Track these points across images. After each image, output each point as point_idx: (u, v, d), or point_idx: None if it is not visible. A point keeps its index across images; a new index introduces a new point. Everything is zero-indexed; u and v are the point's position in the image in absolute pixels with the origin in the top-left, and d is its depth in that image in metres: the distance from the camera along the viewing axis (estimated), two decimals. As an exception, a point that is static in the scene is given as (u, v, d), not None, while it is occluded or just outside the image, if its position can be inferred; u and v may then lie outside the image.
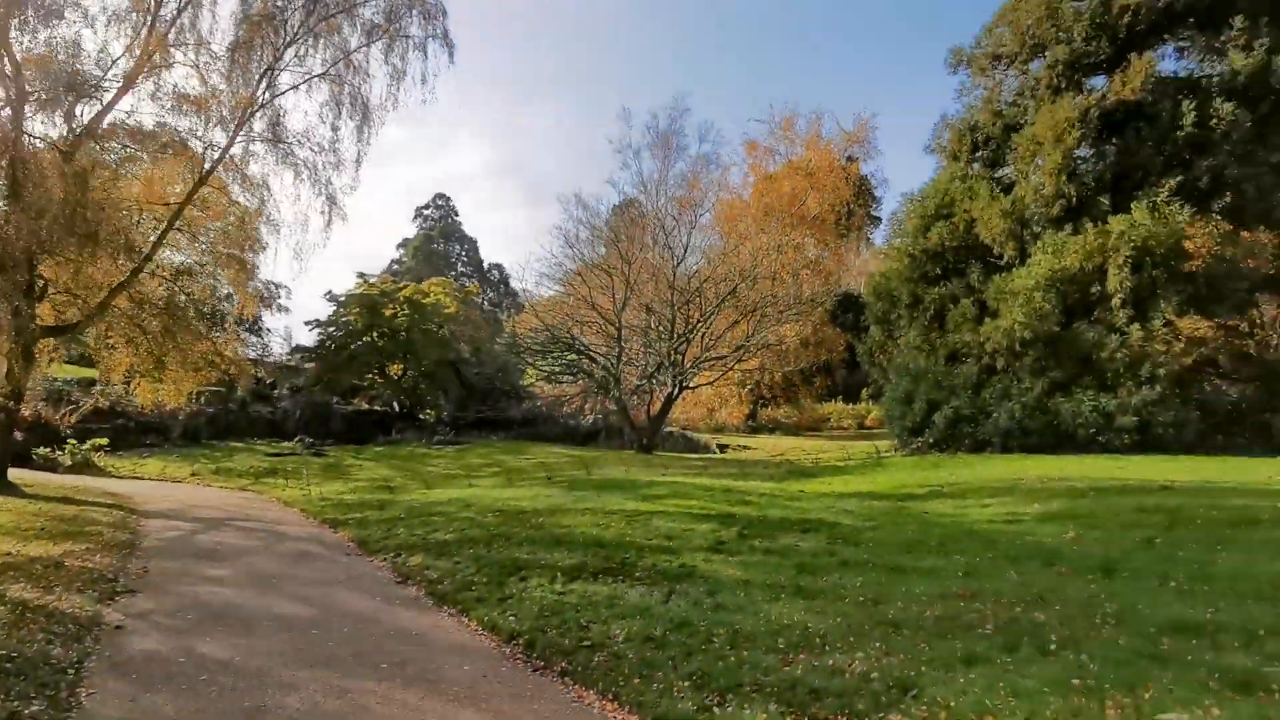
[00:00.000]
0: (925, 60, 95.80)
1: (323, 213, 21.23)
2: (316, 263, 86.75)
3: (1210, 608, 6.06)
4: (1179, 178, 19.19)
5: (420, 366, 34.19)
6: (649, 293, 29.31)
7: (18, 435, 20.82)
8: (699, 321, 27.68)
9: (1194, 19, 21.00)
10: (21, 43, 15.99)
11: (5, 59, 15.90)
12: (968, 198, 23.43)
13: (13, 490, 15.66)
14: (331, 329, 37.31)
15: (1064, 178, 20.11)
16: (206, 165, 18.94)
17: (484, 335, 38.14)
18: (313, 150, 20.68)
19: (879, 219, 49.17)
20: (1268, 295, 21.63)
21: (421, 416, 35.66)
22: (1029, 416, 19.45)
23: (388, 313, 34.36)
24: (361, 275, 38.56)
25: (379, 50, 20.08)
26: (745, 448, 32.35)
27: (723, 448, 32.50)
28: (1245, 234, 20.22)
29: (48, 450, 21.16)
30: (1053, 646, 5.27)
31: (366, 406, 36.57)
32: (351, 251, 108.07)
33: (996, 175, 24.16)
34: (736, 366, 30.90)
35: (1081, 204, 20.64)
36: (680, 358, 27.91)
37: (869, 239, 58.58)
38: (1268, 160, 18.85)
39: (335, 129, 20.45)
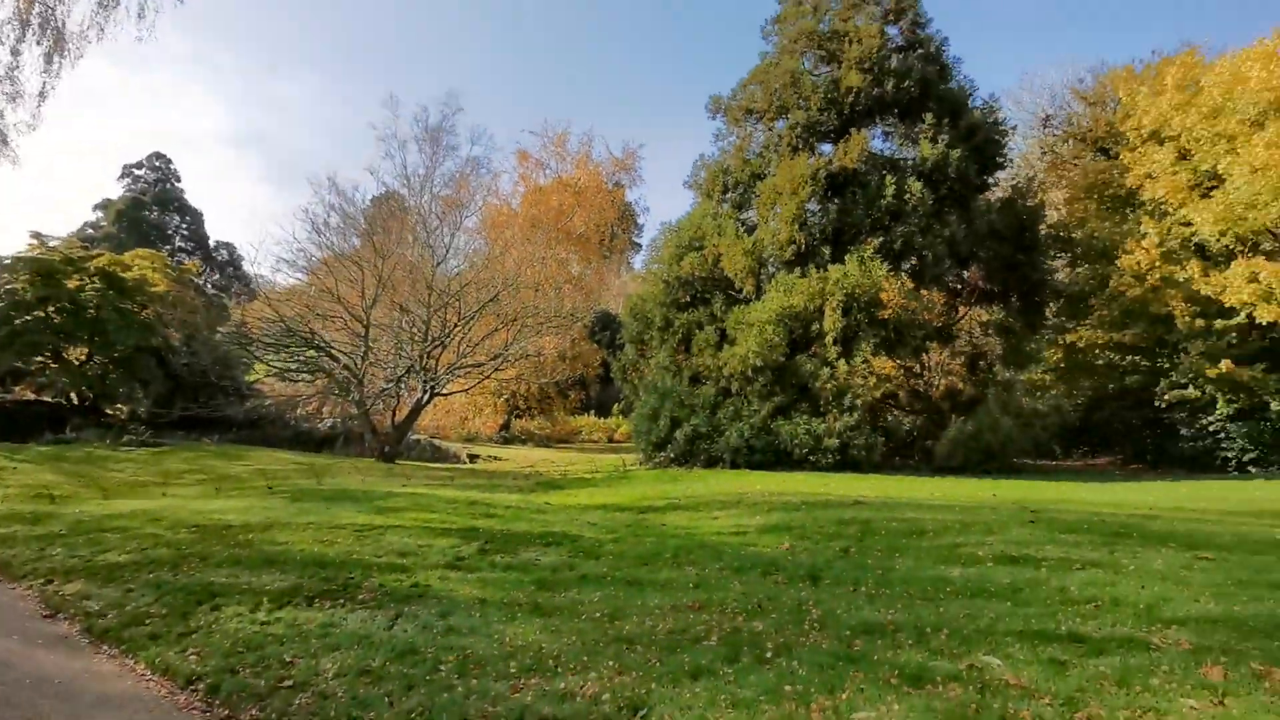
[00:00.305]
0: (694, 101, 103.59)
1: None
2: (-27, 213, 69.40)
3: (890, 609, 6.97)
4: (880, 239, 22.71)
5: (112, 352, 28.59)
6: (405, 292, 27.62)
7: None
8: (457, 326, 26.64)
9: (898, 109, 25.15)
10: None
11: None
12: (717, 233, 25.49)
13: None
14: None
15: (796, 226, 22.75)
16: None
17: (201, 321, 32.99)
18: None
19: (639, 245, 51.82)
20: (935, 344, 26.46)
21: (109, 412, 29.84)
22: (755, 436, 21.51)
23: (72, 284, 28.30)
24: (38, 236, 31.38)
25: (82, -34, 16.83)
26: (496, 458, 31.76)
27: (473, 458, 31.58)
28: (924, 292, 24.54)
29: None
30: (769, 654, 5.65)
31: (33, 396, 29.75)
32: (34, 207, 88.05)
33: (742, 216, 26.62)
34: (494, 375, 30.27)
35: (809, 251, 23.51)
36: (434, 362, 26.60)
37: (629, 263, 61.51)
38: (942, 234, 23.05)
39: (16, 53, 16.74)
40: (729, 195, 26.93)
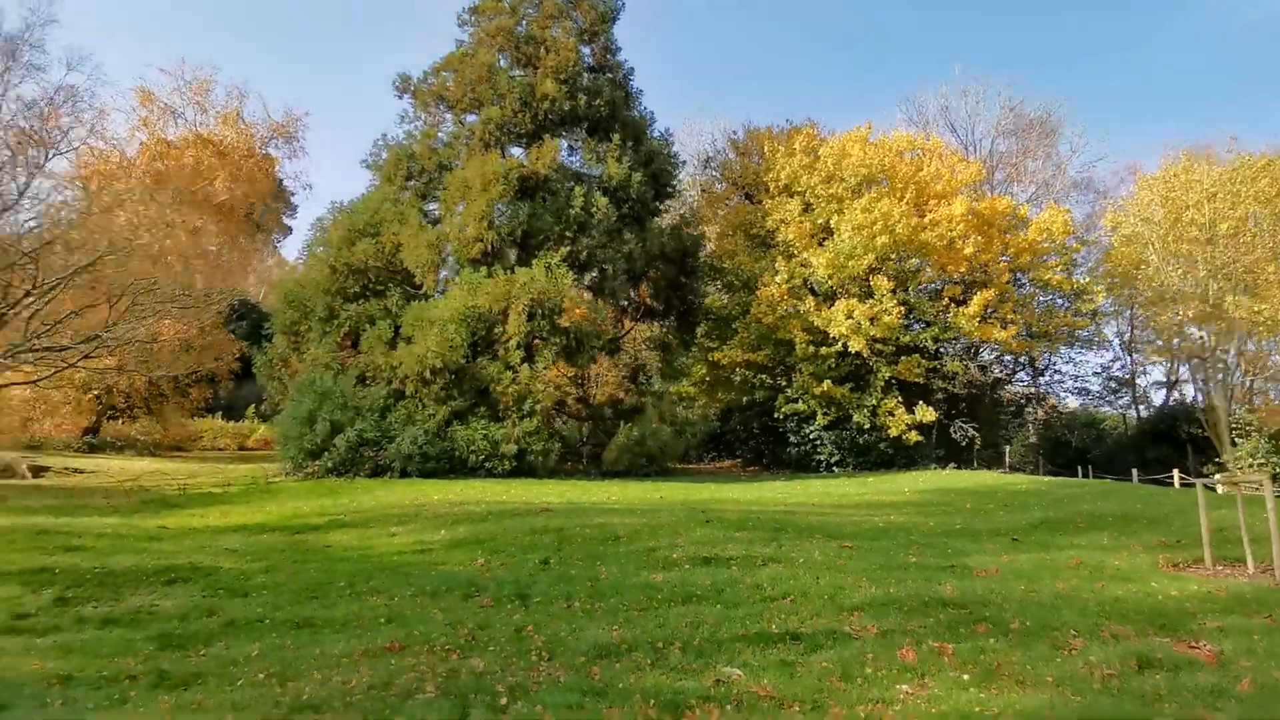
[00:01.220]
0: (374, 75, 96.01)
1: None
2: None
3: (614, 625, 6.52)
4: (568, 248, 22.98)
5: None
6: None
7: None
8: (29, 296, 19.97)
9: (588, 125, 25.95)
10: None
11: None
12: (398, 221, 23.34)
13: None
14: None
15: (485, 224, 21.84)
16: None
17: None
18: None
19: (291, 227, 45.80)
20: (604, 355, 27.80)
21: None
22: (430, 442, 19.93)
23: None
24: None
25: None
26: (77, 470, 24.66)
27: (39, 471, 24.08)
28: (600, 303, 25.56)
29: None
30: (504, 701, 4.69)
31: None
32: None
33: (427, 208, 24.84)
34: (83, 364, 23.45)
35: (496, 251, 22.77)
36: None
37: (276, 246, 54.16)
38: (622, 250, 24.28)
39: None
40: (413, 183, 24.90)
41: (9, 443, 27.92)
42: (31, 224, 23.36)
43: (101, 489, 20.05)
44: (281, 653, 5.87)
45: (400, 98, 25.73)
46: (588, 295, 24.69)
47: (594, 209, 23.55)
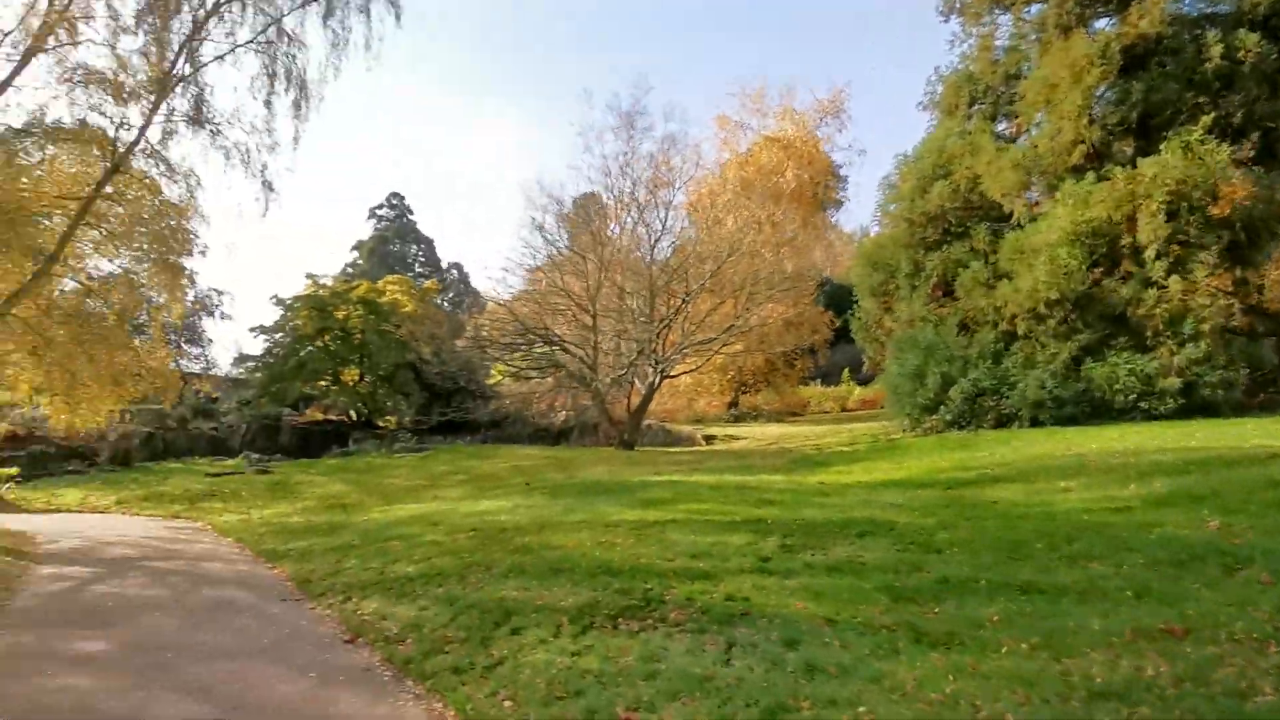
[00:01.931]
0: (890, 22, 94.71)
1: (258, 199, 18.84)
2: (267, 264, 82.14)
3: None
4: (1209, 115, 17.42)
5: (377, 370, 31.30)
6: (624, 280, 26.93)
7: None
8: (682, 305, 25.38)
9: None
10: None
11: None
12: (969, 153, 21.50)
13: (-125, 536, 12.73)
14: (279, 335, 34.17)
15: (1084, 121, 18.21)
16: (121, 149, 16.35)
17: (445, 334, 35.26)
18: (244, 131, 18.25)
19: (844, 200, 47.39)
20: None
21: (380, 424, 32.77)
22: (1059, 385, 17.50)
23: (340, 314, 31.40)
24: (311, 276, 35.44)
25: (316, 15, 17.78)
26: (732, 438, 30.21)
27: (709, 439, 30.34)
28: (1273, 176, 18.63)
29: (-55, 485, 17.97)
30: None
31: (321, 417, 33.54)
32: (307, 260, 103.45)
33: (998, 129, 22.31)
34: (721, 350, 28.69)
35: (1104, 149, 18.84)
36: (661, 344, 25.57)
37: (831, 221, 56.94)
38: (1292, 98, 17.24)
39: (269, 104, 18.12)
40: (977, 106, 22.69)
41: (681, 418, 36.07)
42: (670, 249, 29.49)
43: (756, 451, 23.97)
44: (1028, 620, 5.31)
45: (946, 20, 23.74)
46: (1246, 171, 18.32)
47: (1239, 52, 17.31)
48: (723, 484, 14.29)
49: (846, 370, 40.64)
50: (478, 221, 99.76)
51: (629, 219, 28.36)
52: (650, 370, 25.48)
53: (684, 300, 25.92)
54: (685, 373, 29.63)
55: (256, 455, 26.52)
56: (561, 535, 9.73)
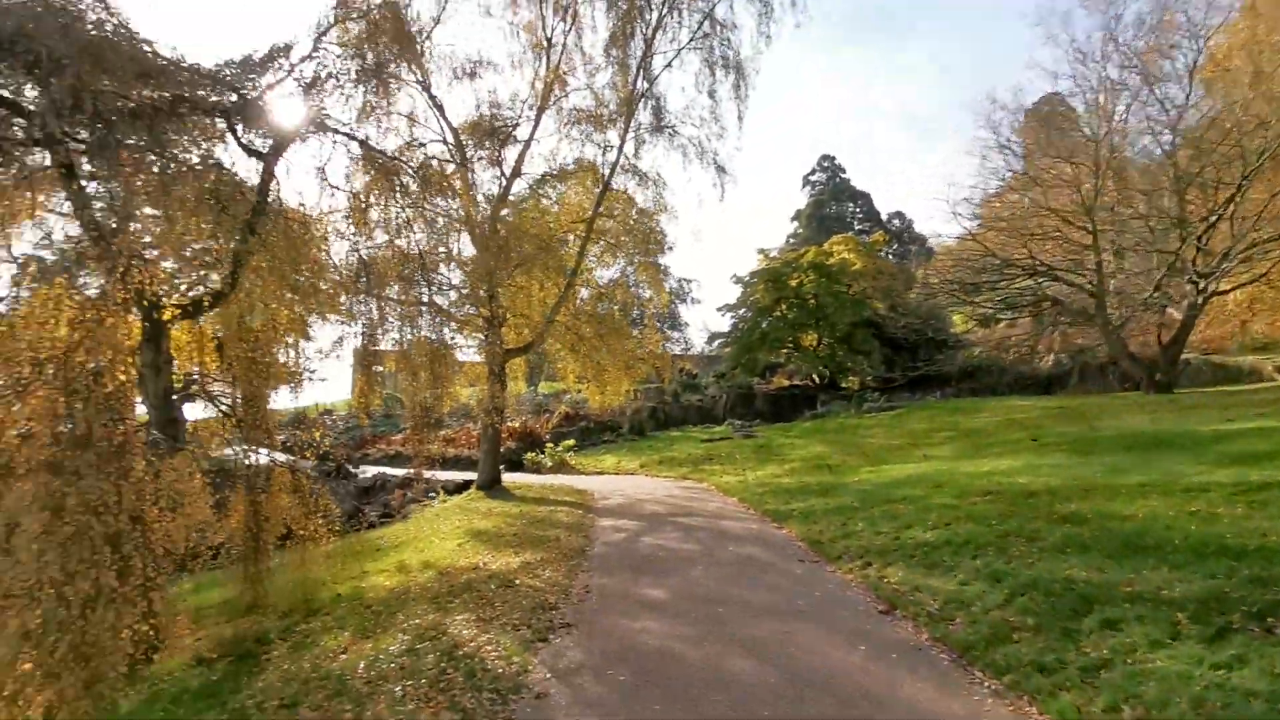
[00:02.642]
0: None
1: (715, 185, 20.50)
2: (720, 247, 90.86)
3: None
4: None
5: (835, 332, 31.31)
6: (1127, 180, 21.46)
7: (510, 444, 24.11)
8: (1233, 195, 18.92)
9: None
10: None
11: (445, 129, 18.16)
12: None
13: (504, 494, 17.35)
14: (741, 310, 37.01)
15: None
16: (605, 172, 19.48)
17: (898, 286, 33.47)
18: (694, 125, 20.00)
19: None
20: None
21: (844, 385, 32.78)
22: None
23: (793, 282, 32.39)
24: (762, 251, 37.65)
25: (740, -4, 18.53)
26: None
27: None
28: None
29: (533, 454, 23.70)
30: None
31: (787, 383, 35.18)
32: (750, 237, 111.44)
33: None
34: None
35: None
36: (1197, 253, 19.56)
37: None
38: None
39: (712, 94, 19.61)
40: None
41: (1234, 348, 27.52)
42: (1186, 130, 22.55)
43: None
44: None
45: None
46: None
47: None
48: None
49: None
50: (913, 164, 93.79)
51: (1121, 106, 22.57)
52: (1190, 289, 19.72)
53: (1239, 187, 19.26)
54: (1236, 287, 22.37)
55: (739, 422, 29.01)
56: (1122, 502, 7.75)
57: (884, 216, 68.06)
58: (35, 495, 5.07)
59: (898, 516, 9.34)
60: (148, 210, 7.66)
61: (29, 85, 6.46)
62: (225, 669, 6.55)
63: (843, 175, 69.45)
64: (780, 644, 5.64)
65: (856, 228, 65.27)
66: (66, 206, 8.44)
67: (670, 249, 26.61)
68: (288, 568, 9.61)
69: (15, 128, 7.74)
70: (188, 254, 8.33)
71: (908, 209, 71.51)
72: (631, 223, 21.60)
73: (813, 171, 70.58)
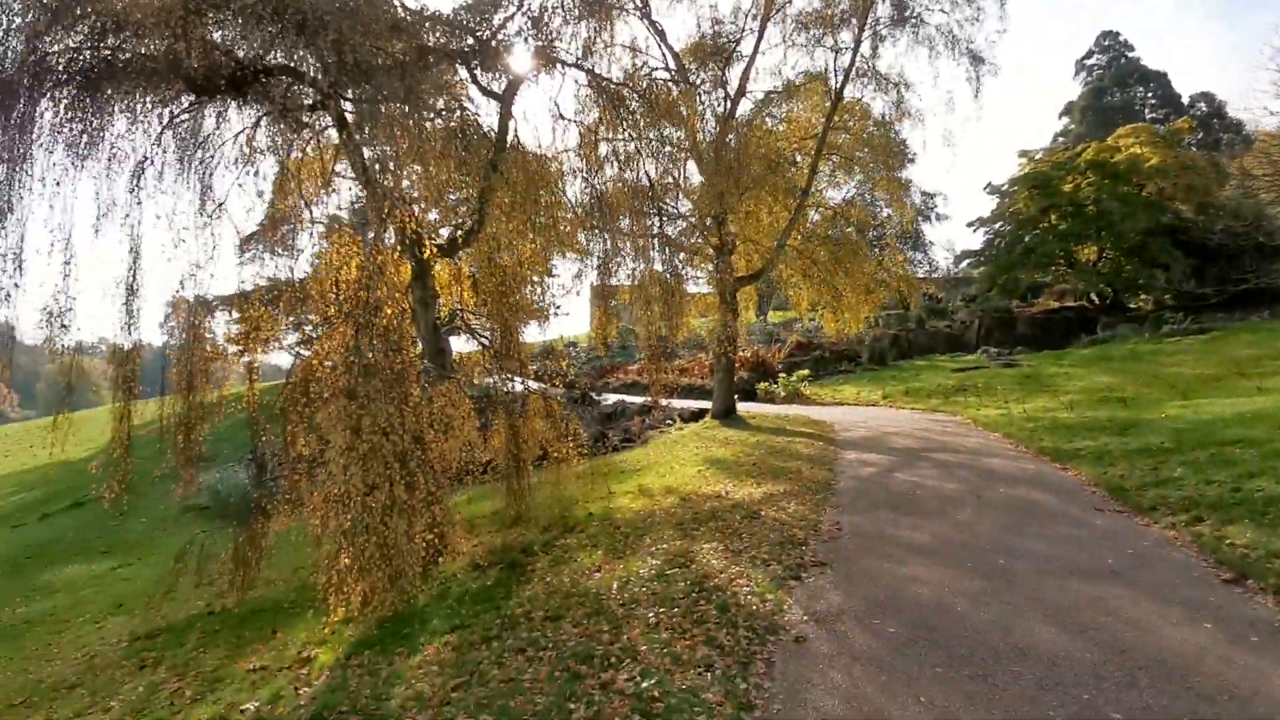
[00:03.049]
0: None
1: (969, 79, 17.90)
2: (971, 156, 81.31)
3: None
4: None
5: (1121, 243, 26.36)
6: None
7: (743, 374, 23.94)
8: None
9: None
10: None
11: (667, 54, 17.74)
12: None
13: (739, 423, 17.28)
14: (997, 224, 32.74)
15: None
16: (836, 82, 17.87)
17: (1208, 184, 27.06)
18: (944, 10, 17.52)
19: None
20: None
21: (1132, 306, 27.73)
22: None
23: (1065, 187, 27.72)
24: (1025, 153, 32.67)
25: None
26: None
27: None
28: None
29: (766, 384, 23.34)
30: None
31: (1056, 305, 30.69)
32: (1006, 142, 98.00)
33: None
34: None
35: None
36: None
37: None
38: None
39: None
40: None
41: None
42: None
43: None
44: None
45: None
46: None
47: None
48: None
49: None
50: (1229, 31, 75.14)
51: None
52: None
53: None
54: None
55: (995, 350, 25.96)
56: None
57: (1185, 100, 55.68)
58: (338, 416, 5.69)
59: (1233, 462, 7.52)
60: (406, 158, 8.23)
61: (300, 48, 7.09)
62: (497, 576, 7.11)
63: (1129, 54, 57.79)
64: (1091, 611, 4.69)
65: (1149, 116, 54.26)
66: (348, 171, 9.44)
67: (912, 160, 24.03)
68: (544, 485, 10.32)
69: (302, 95, 8.69)
70: (442, 197, 8.88)
71: (1218, 89, 57.84)
72: (867, 135, 19.68)
73: (1088, 54, 59.60)
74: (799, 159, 19.64)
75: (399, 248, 6.92)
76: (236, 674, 5.75)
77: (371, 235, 6.92)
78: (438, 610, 6.29)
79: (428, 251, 7.63)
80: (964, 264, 41.65)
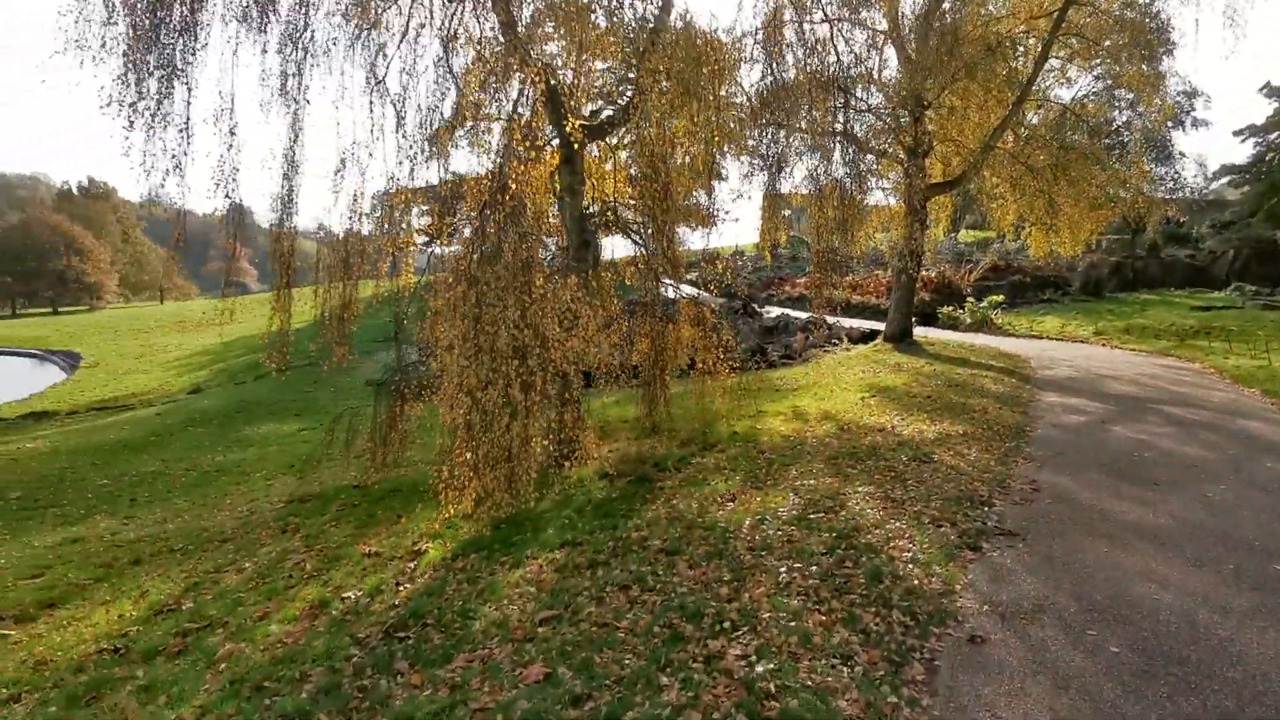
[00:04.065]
0: None
1: None
2: (1244, 50, 66.51)
3: None
4: None
5: None
6: None
7: (924, 295, 21.55)
8: None
9: None
10: None
11: None
12: None
13: (915, 349, 15.52)
14: (1274, 135, 26.37)
15: None
16: None
17: None
18: None
19: None
20: None
21: None
22: None
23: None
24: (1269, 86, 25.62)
25: None
26: None
27: None
28: None
29: (950, 309, 20.94)
30: None
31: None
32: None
33: None
34: None
35: None
36: None
37: None
38: None
39: None
40: None
41: None
42: None
43: None
44: None
45: None
46: None
47: None
48: None
49: None
50: None
51: None
52: None
53: None
54: None
55: (1252, 287, 21.30)
56: None
57: None
58: (455, 303, 5.17)
59: None
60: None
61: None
62: (623, 489, 6.55)
63: None
64: None
65: None
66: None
67: (1171, 51, 19.15)
68: (688, 396, 9.60)
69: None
70: (593, 72, 7.93)
71: None
72: (1118, 13, 15.79)
73: None
74: (1025, 45, 16.37)
75: (535, 122, 6.11)
76: (354, 555, 5.69)
77: (510, 106, 6.17)
78: (555, 518, 5.85)
79: (570, 125, 6.78)
80: (1220, 182, 34.41)
